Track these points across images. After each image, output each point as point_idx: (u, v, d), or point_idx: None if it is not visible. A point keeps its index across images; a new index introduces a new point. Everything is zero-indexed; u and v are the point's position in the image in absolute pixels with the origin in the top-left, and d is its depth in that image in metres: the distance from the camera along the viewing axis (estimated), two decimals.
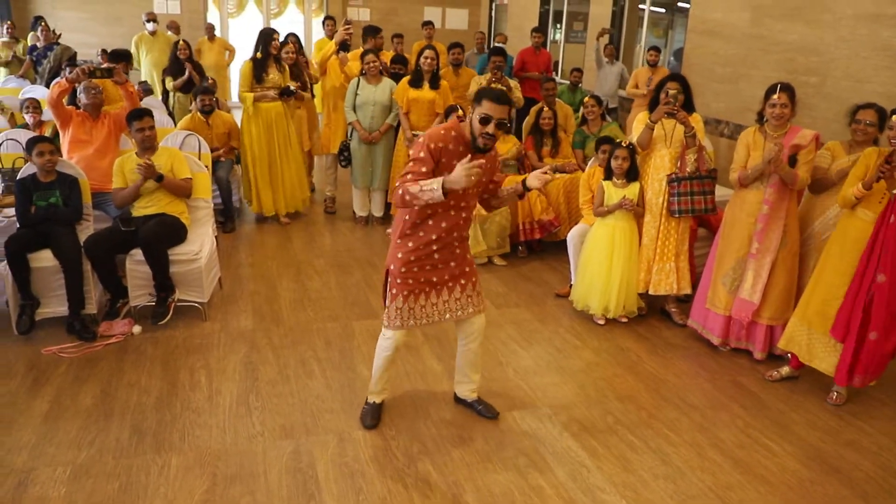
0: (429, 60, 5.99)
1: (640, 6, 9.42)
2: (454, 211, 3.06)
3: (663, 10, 9.60)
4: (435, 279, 3.16)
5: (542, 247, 5.99)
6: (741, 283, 4.16)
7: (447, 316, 3.24)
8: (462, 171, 2.68)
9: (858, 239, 3.62)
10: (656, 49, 7.84)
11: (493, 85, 6.39)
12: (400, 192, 2.84)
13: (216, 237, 5.12)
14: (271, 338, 4.28)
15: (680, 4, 8.85)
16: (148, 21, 9.23)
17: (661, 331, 4.61)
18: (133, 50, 9.26)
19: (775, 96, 3.93)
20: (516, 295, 5.08)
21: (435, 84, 6.05)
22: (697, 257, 4.89)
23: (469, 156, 2.78)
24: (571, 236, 4.93)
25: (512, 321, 4.63)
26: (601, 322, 4.63)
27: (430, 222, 3.05)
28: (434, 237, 3.06)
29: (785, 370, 4.03)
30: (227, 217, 6.22)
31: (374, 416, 3.42)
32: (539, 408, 3.64)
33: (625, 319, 4.66)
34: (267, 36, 6.06)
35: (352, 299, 4.89)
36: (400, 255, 3.11)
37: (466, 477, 3.07)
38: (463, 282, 3.22)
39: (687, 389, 3.89)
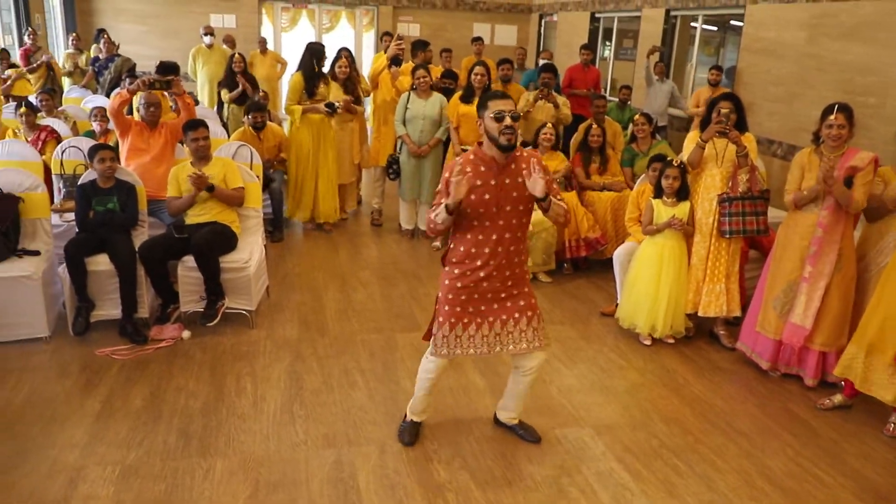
0: (479, 77, 6.05)
1: (692, 24, 9.32)
2: (496, 234, 2.96)
3: (715, 28, 9.48)
4: (484, 308, 3.08)
5: (587, 264, 5.94)
6: (792, 308, 4.06)
7: (497, 349, 3.12)
8: (453, 183, 2.77)
9: None
10: (718, 68, 7.72)
11: (539, 101, 6.41)
12: (429, 224, 2.98)
13: (265, 246, 5.22)
14: (316, 347, 4.33)
15: (733, 23, 8.72)
16: (205, 35, 9.50)
17: (709, 353, 4.51)
18: (190, 62, 9.54)
19: (832, 117, 3.84)
20: (561, 312, 5.04)
21: None
22: (748, 279, 4.79)
23: (461, 170, 2.83)
24: (618, 254, 4.88)
25: (556, 339, 4.59)
26: (647, 342, 4.56)
27: (474, 250, 3.00)
28: (479, 263, 3.00)
29: (838, 398, 3.90)
30: (276, 227, 6.33)
31: (412, 434, 3.40)
32: (582, 427, 3.60)
33: (671, 340, 4.58)
34: (317, 52, 6.18)
35: (396, 311, 4.92)
36: (447, 283, 3.07)
37: (507, 494, 3.05)
38: (517, 315, 3.10)
39: (735, 414, 3.80)
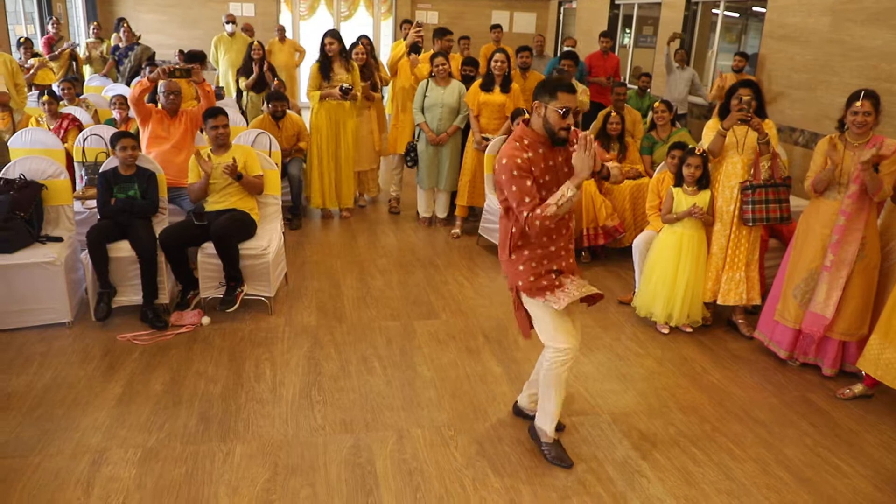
0: (499, 64, 6.01)
1: (714, 11, 9.20)
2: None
3: (737, 15, 9.35)
4: (564, 265, 3.06)
5: (605, 253, 5.91)
6: (813, 296, 4.02)
7: (579, 292, 3.03)
8: (580, 159, 2.70)
9: None
10: (743, 55, 7.61)
11: None
12: (538, 222, 2.78)
13: (283, 233, 5.25)
14: (334, 334, 4.35)
15: (755, 9, 8.60)
16: (227, 23, 9.53)
17: (727, 342, 4.48)
18: (212, 50, 9.58)
19: (858, 103, 3.78)
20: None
21: (506, 87, 6.07)
22: (768, 269, 4.74)
23: (577, 144, 2.75)
24: (637, 243, 4.85)
25: None
26: (664, 331, 4.53)
27: (546, 236, 2.98)
28: (545, 238, 2.97)
29: (858, 388, 3.86)
30: (294, 214, 6.36)
31: (564, 457, 3.20)
32: (599, 415, 3.59)
33: (689, 329, 4.56)
34: (322, 38, 6.18)
35: (413, 299, 4.93)
36: (522, 268, 2.99)
37: (524, 480, 3.06)
38: (574, 274, 3.12)
39: (753, 403, 3.78)
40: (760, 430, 3.53)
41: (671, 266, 4.42)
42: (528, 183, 2.82)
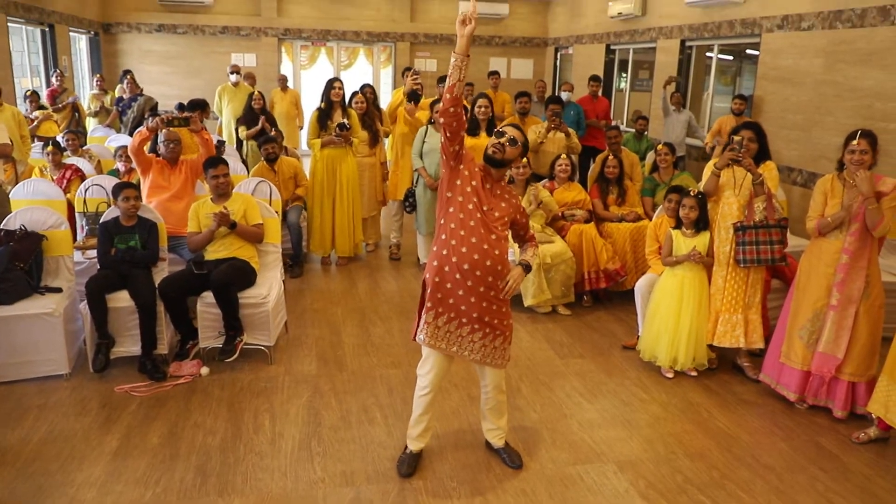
0: (483, 109, 6.09)
1: (708, 54, 9.34)
2: (477, 234, 3.06)
3: (731, 58, 9.49)
4: (464, 308, 3.14)
5: (607, 296, 5.88)
6: (820, 336, 3.97)
7: (466, 353, 3.22)
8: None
9: None
10: (741, 97, 7.70)
11: (550, 133, 6.44)
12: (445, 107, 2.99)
13: (284, 281, 5.23)
14: (334, 383, 4.30)
15: (748, 52, 8.73)
16: (231, 73, 9.69)
17: (733, 385, 4.42)
18: (216, 100, 9.72)
19: (855, 142, 3.81)
20: (581, 345, 4.98)
21: (490, 132, 6.13)
22: (771, 310, 4.70)
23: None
24: (639, 286, 4.83)
25: (576, 372, 4.53)
26: (669, 375, 4.47)
27: (454, 242, 3.08)
28: (454, 260, 3.07)
29: (873, 431, 3.78)
30: (295, 262, 6.36)
31: (410, 465, 3.39)
32: (605, 463, 3.52)
33: (694, 373, 4.50)
34: (328, 84, 6.31)
35: (414, 346, 4.86)
36: (435, 264, 3.14)
37: None
38: (488, 331, 3.19)
39: (761, 449, 3.70)
40: (770, 476, 3.45)
41: (674, 309, 4.39)
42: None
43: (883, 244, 4.03)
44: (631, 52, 11.18)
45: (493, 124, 6.15)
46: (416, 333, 3.27)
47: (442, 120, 3.03)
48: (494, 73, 9.74)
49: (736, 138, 4.21)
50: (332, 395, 4.14)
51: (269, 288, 4.62)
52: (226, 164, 4.72)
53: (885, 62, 6.03)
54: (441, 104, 3.06)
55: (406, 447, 3.45)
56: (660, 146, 6.12)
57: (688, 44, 9.44)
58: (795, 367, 4.07)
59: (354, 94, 6.73)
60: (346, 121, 6.24)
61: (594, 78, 9.05)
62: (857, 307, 3.87)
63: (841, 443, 3.78)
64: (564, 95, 8.45)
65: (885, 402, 3.61)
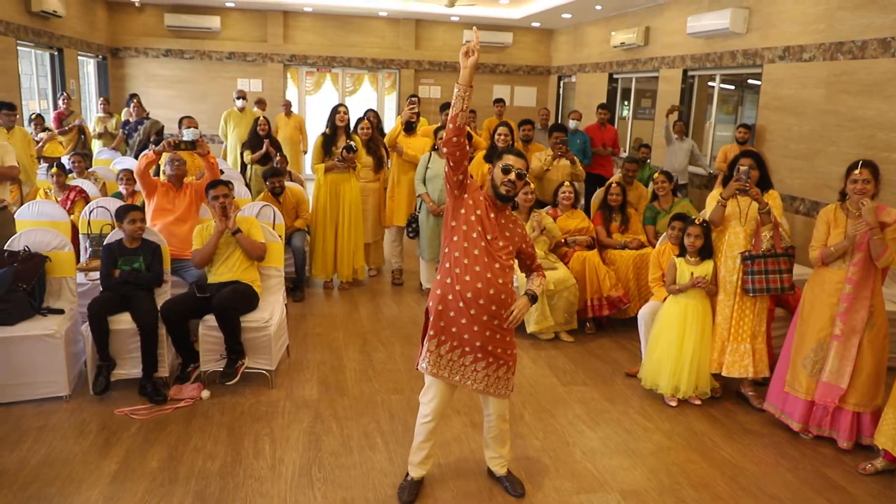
0: (503, 137, 6.17)
1: (710, 83, 9.42)
2: (481, 262, 3.06)
3: (733, 87, 9.57)
4: (467, 336, 3.12)
5: (610, 324, 5.86)
6: (824, 366, 3.95)
7: (469, 383, 3.19)
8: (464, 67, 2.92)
9: None
10: (746, 126, 7.75)
11: (555, 160, 6.47)
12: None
13: (286, 305, 5.22)
14: (336, 408, 4.27)
15: (750, 81, 8.80)
16: (238, 98, 9.77)
17: (737, 415, 4.38)
18: (222, 124, 9.81)
19: (857, 172, 3.82)
20: (584, 373, 4.95)
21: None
22: (774, 338, 4.68)
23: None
24: (643, 314, 4.81)
25: (579, 400, 4.50)
26: (673, 403, 4.44)
27: (458, 271, 3.08)
28: (458, 288, 3.07)
29: (880, 463, 3.74)
30: (297, 286, 6.35)
31: (411, 493, 3.35)
32: (608, 493, 3.48)
33: (698, 402, 4.46)
34: (333, 110, 6.38)
35: (416, 372, 4.81)
36: (439, 292, 3.14)
37: None
38: (491, 360, 3.16)
39: (767, 479, 3.66)
40: None
41: (676, 337, 4.37)
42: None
43: (887, 274, 4.01)
44: (633, 80, 11.29)
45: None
46: (419, 361, 3.25)
47: (445, 150, 3.04)
48: (500, 101, 9.82)
49: (742, 168, 4.22)
50: (334, 421, 4.11)
51: (271, 312, 4.61)
52: (226, 184, 4.73)
53: (886, 93, 6.08)
54: (444, 133, 3.07)
55: (407, 474, 3.41)
56: (657, 175, 6.15)
57: (690, 73, 9.52)
58: (800, 397, 4.04)
59: (360, 119, 6.79)
60: (352, 143, 6.28)
61: (603, 106, 9.10)
62: (860, 337, 3.85)
63: (847, 474, 3.73)
64: (572, 124, 8.50)
65: (892, 434, 3.57)
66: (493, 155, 6.10)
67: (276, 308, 4.72)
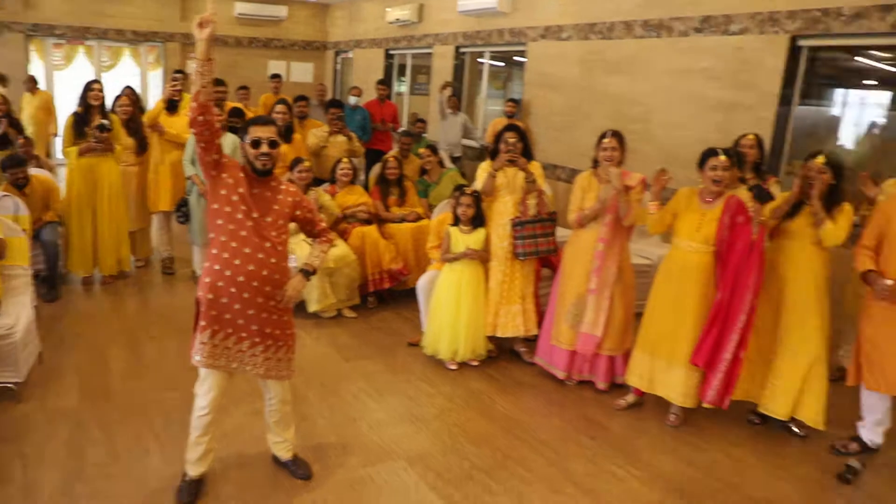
0: (281, 115, 5.98)
1: (480, 60, 9.84)
2: (251, 243, 2.93)
3: (502, 64, 10.09)
4: (242, 322, 3.01)
5: (392, 296, 5.94)
6: (583, 318, 4.32)
7: (248, 369, 3.10)
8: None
9: (684, 268, 3.86)
10: (514, 101, 8.22)
11: (331, 136, 6.42)
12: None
13: (36, 307, 4.64)
14: (100, 414, 3.88)
15: (517, 59, 9.33)
16: None
17: (512, 370, 4.68)
18: None
19: (606, 140, 4.21)
20: (367, 347, 4.98)
21: (288, 138, 6.09)
22: (541, 297, 5.04)
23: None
24: (421, 284, 4.94)
25: (362, 374, 4.52)
26: (453, 367, 4.63)
27: (226, 255, 2.93)
28: (228, 273, 2.93)
29: (630, 398, 4.22)
30: (51, 285, 5.66)
31: (190, 494, 3.16)
32: (395, 461, 3.54)
33: (475, 363, 4.69)
34: (86, 86, 5.74)
35: (193, 366, 4.55)
36: (208, 280, 2.97)
37: None
38: (270, 343, 3.09)
39: (538, 426, 3.96)
40: (547, 450, 3.70)
41: (453, 304, 4.55)
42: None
43: (633, 231, 4.47)
44: (409, 57, 11.47)
45: (290, 130, 6.15)
46: (192, 354, 3.05)
47: (193, 130, 2.84)
48: (276, 77, 9.50)
49: (510, 140, 4.47)
50: (98, 429, 3.73)
51: (15, 316, 4.06)
52: None
53: (629, 71, 6.76)
54: (189, 113, 2.86)
55: (185, 474, 3.21)
56: (422, 150, 6.34)
57: (462, 50, 9.87)
58: (563, 348, 4.41)
59: (118, 97, 6.16)
60: (106, 121, 5.68)
61: (381, 82, 9.14)
62: (612, 290, 4.27)
63: (605, 411, 4.16)
64: (353, 100, 8.44)
65: (639, 372, 4.05)
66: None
67: (21, 311, 4.16)
